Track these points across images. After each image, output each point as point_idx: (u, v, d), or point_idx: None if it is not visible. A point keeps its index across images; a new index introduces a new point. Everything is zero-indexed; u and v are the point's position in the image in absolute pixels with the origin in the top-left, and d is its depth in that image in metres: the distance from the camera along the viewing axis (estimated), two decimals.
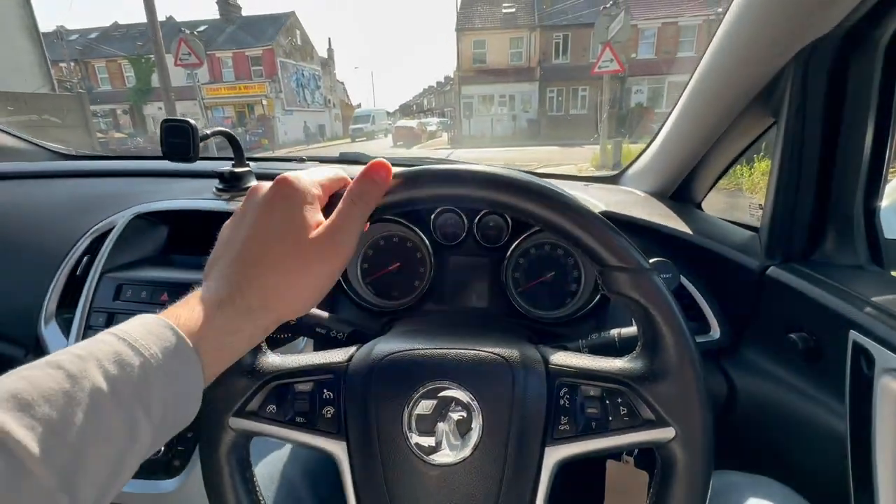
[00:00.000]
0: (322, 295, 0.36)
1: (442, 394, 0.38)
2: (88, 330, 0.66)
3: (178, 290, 0.67)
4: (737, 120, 0.66)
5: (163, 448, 0.60)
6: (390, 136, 23.42)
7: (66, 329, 0.69)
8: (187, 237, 0.82)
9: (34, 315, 0.71)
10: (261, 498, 0.40)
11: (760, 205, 0.67)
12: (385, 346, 0.41)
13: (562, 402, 0.38)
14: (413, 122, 24.03)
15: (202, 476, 0.39)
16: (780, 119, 0.55)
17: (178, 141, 0.69)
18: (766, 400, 0.58)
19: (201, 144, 0.74)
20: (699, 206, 0.91)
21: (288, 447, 0.54)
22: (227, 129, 0.78)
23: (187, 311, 0.31)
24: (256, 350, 0.41)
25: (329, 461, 0.56)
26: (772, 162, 0.58)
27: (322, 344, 0.52)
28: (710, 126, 0.73)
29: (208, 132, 0.74)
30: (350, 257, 0.36)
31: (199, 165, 0.97)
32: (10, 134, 1.16)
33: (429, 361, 0.39)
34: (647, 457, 0.55)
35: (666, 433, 0.35)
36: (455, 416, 0.38)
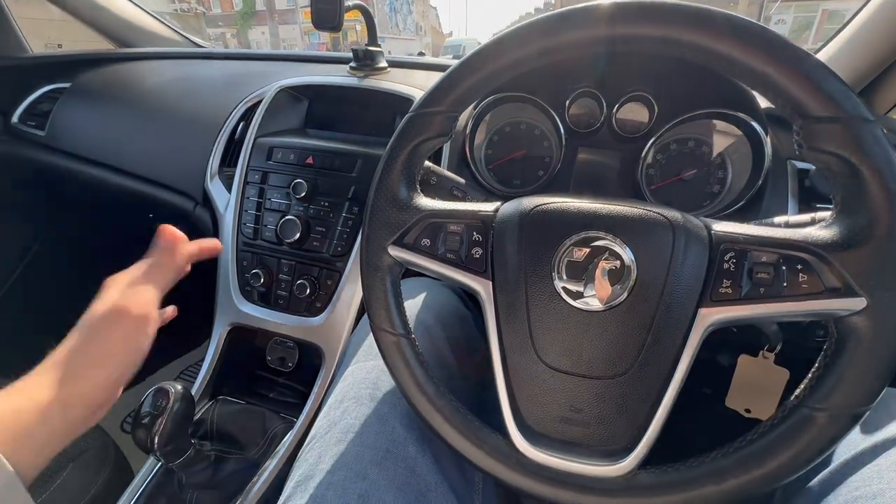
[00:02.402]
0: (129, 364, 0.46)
1: (596, 243, 0.37)
2: (247, 185, 0.75)
3: (321, 155, 0.73)
4: None
5: (308, 290, 0.69)
6: None
7: (227, 184, 0.79)
8: (322, 114, 0.86)
9: (201, 173, 0.81)
10: (407, 320, 0.44)
11: None
12: (535, 199, 0.41)
13: (726, 266, 0.36)
14: None
15: (363, 295, 0.44)
16: None
17: (326, 7, 0.71)
18: None
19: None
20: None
21: (421, 298, 0.59)
22: (362, 4, 0.79)
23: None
24: (412, 189, 0.43)
25: (459, 312, 0.60)
26: None
27: None
28: None
29: (349, 3, 0.75)
30: (151, 321, 0.49)
31: (330, 55, 1.01)
32: (168, 26, 1.28)
33: (584, 212, 0.38)
34: (789, 355, 0.52)
35: (854, 304, 0.32)
36: (608, 265, 0.37)
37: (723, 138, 0.66)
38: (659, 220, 0.37)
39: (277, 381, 0.75)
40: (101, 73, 1.03)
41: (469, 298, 0.68)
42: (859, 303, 0.32)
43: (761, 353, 0.52)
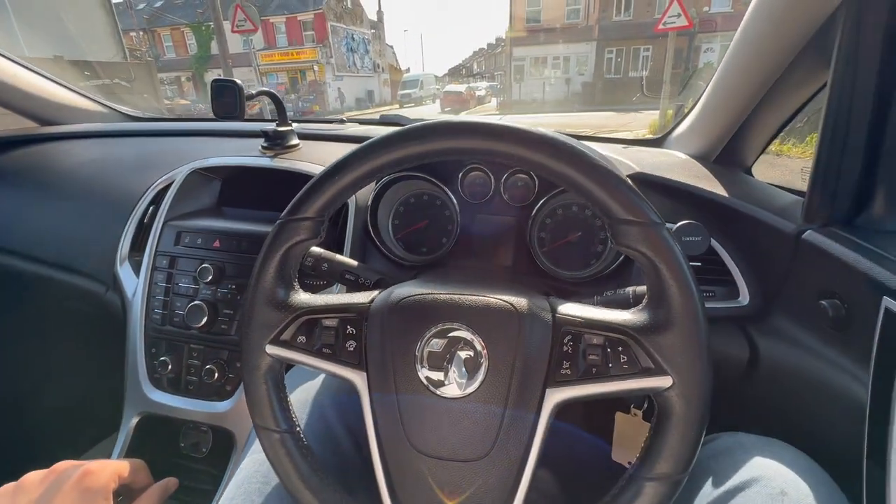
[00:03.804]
0: None
1: (452, 334, 0.41)
2: (154, 271, 0.76)
3: (228, 238, 0.75)
4: (787, 73, 0.61)
5: (216, 374, 0.69)
6: (438, 101, 23.11)
7: (136, 269, 0.79)
8: (236, 192, 0.89)
9: (112, 257, 0.81)
10: (293, 416, 0.46)
11: None
12: (403, 289, 0.44)
13: (565, 348, 0.40)
14: (461, 87, 23.44)
15: (245, 394, 0.45)
16: (830, 69, 0.51)
17: (227, 100, 0.74)
18: (789, 367, 0.57)
19: (250, 108, 0.80)
20: (748, 171, 0.86)
21: (320, 379, 0.60)
22: (270, 90, 0.83)
23: None
24: (289, 288, 0.45)
25: (355, 392, 0.62)
26: (821, 118, 0.54)
27: (351, 289, 0.56)
28: (756, 81, 0.68)
29: (253, 92, 0.79)
30: None
31: (247, 126, 1.04)
32: (89, 98, 1.28)
33: (441, 305, 0.42)
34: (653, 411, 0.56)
35: (663, 381, 0.36)
36: (463, 354, 0.41)
37: None
38: (507, 308, 0.41)
39: (192, 467, 0.74)
40: (13, 156, 1.01)
41: None
42: (667, 380, 0.36)
43: (632, 409, 0.57)
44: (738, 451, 0.49)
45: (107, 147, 1.02)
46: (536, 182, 0.73)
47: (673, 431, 0.37)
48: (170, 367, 0.71)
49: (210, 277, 0.71)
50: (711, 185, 0.72)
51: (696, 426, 0.36)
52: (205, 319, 0.70)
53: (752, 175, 0.85)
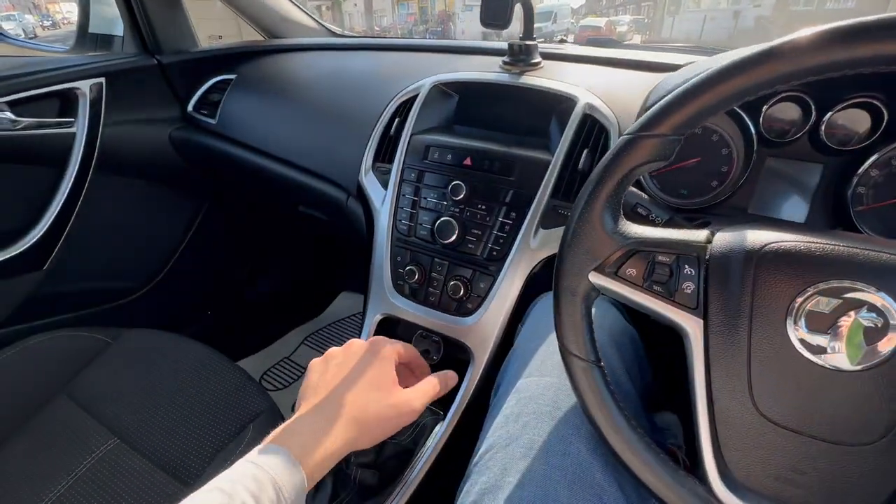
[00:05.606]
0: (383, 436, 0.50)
1: (850, 295, 0.33)
2: (403, 183, 0.78)
3: (480, 157, 0.73)
4: None
5: (462, 291, 0.71)
6: (572, 37, 21.08)
7: (381, 180, 0.82)
8: (468, 110, 0.85)
9: (354, 166, 0.85)
10: (597, 347, 0.43)
11: None
12: (761, 234, 0.37)
13: None
14: (601, 21, 20.93)
15: (555, 317, 0.43)
16: None
17: (497, 5, 0.69)
18: None
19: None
20: None
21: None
22: None
23: (300, 440, 0.43)
24: (617, 217, 0.41)
25: (628, 332, 0.58)
26: None
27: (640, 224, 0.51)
28: None
29: None
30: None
31: (469, 44, 0.99)
32: (307, 14, 1.34)
33: (833, 257, 0.34)
34: None
35: None
36: (865, 322, 0.33)
37: None
38: None
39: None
40: (260, 65, 1.11)
41: (636, 319, 0.65)
42: None
43: None
44: None
45: (342, 60, 1.05)
46: (885, 119, 0.56)
47: None
48: (416, 276, 0.74)
49: (462, 195, 0.70)
50: None
51: None
52: (455, 235, 0.70)
53: None
